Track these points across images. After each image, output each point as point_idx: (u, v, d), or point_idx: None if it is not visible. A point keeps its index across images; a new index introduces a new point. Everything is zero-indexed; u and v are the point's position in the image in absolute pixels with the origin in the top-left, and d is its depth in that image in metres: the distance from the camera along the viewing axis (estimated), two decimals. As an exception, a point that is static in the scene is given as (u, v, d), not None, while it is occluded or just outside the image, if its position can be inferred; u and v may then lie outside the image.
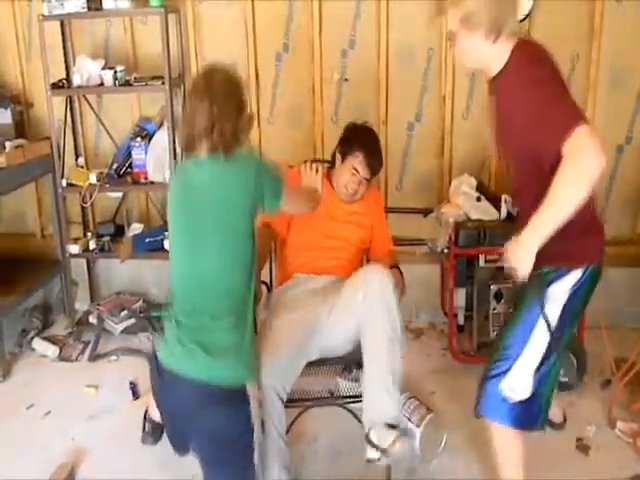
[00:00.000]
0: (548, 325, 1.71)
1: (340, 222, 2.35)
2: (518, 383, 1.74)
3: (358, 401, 2.16)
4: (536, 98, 1.56)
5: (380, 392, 1.92)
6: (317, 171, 2.25)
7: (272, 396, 1.91)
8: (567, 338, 1.79)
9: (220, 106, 1.71)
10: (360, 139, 2.30)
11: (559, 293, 1.71)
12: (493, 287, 2.61)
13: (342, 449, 2.33)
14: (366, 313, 1.95)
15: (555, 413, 2.33)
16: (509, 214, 2.65)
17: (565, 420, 2.39)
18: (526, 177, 1.72)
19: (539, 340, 1.72)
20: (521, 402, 1.75)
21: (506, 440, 1.84)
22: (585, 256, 1.74)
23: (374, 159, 2.28)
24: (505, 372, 1.75)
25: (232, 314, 1.74)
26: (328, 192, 2.33)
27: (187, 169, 1.82)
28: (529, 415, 1.78)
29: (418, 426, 2.18)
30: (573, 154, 1.45)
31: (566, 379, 2.60)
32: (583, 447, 2.32)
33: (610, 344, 2.54)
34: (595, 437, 2.37)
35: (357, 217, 2.38)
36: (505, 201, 2.65)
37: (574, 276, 1.71)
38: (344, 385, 2.34)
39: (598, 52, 2.91)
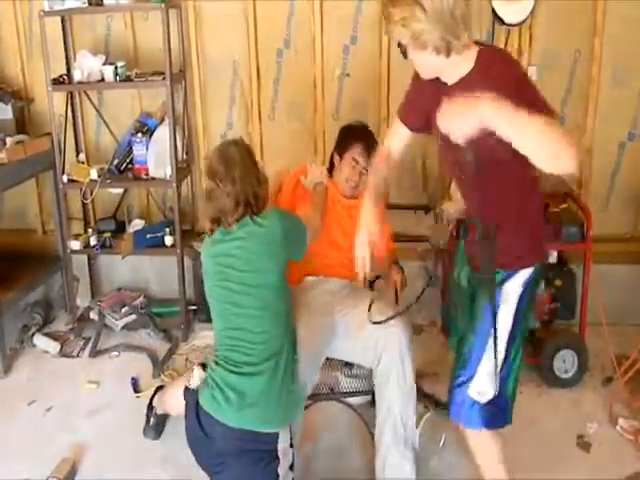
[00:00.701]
0: (496, 330, 1.73)
1: (344, 223, 2.35)
2: (484, 386, 1.76)
3: (359, 395, 2.21)
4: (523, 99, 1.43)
5: (394, 454, 2.00)
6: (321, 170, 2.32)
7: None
8: (522, 333, 1.81)
9: (241, 181, 1.83)
10: (355, 133, 2.36)
11: (512, 291, 1.73)
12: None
13: (343, 446, 2.34)
14: (382, 375, 2.01)
15: None
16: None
17: None
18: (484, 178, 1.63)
19: (500, 340, 1.74)
20: (489, 402, 1.77)
21: (483, 442, 1.86)
22: (535, 256, 1.77)
23: (372, 147, 2.29)
24: (470, 379, 1.77)
25: (270, 360, 1.80)
26: (331, 195, 2.34)
27: (217, 241, 1.89)
28: (499, 412, 1.80)
29: (417, 423, 2.18)
30: (568, 137, 1.39)
31: (567, 376, 2.61)
32: (584, 444, 2.33)
33: (611, 341, 2.54)
34: (596, 434, 2.37)
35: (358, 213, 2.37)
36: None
37: (524, 273, 1.74)
38: (344, 381, 2.34)
39: (600, 48, 2.90)
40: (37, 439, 2.47)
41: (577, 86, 2.97)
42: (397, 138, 1.89)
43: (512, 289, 1.72)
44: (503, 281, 1.73)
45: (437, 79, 1.65)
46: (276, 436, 1.75)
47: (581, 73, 2.95)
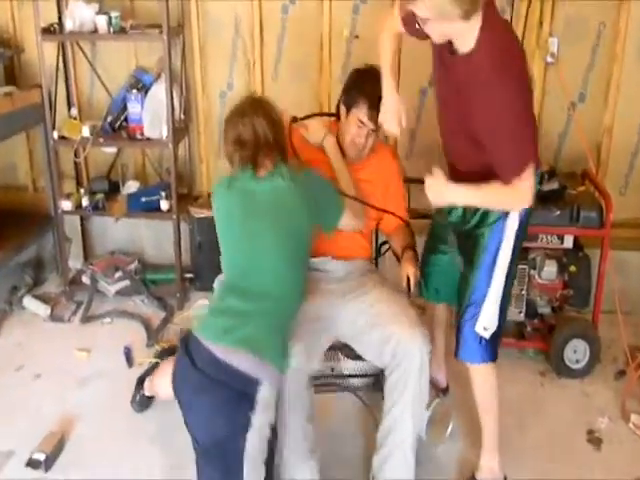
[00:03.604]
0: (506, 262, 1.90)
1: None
2: (489, 321, 1.90)
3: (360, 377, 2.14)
4: (508, 114, 1.64)
5: (397, 457, 1.92)
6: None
7: (297, 376, 1.82)
8: (515, 264, 1.97)
9: (275, 125, 1.87)
10: (363, 87, 2.06)
11: (511, 226, 1.86)
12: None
13: (345, 431, 2.28)
14: (396, 383, 1.89)
15: (440, 379, 2.41)
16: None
17: (448, 387, 2.43)
18: (465, 141, 1.81)
19: (499, 279, 1.88)
20: (492, 336, 1.92)
21: (487, 376, 1.98)
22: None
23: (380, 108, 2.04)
24: (476, 315, 1.90)
25: (274, 302, 1.77)
26: None
27: (243, 179, 1.86)
28: (497, 345, 1.96)
29: (426, 409, 2.12)
30: (514, 194, 1.71)
31: (578, 366, 2.54)
32: (595, 440, 2.25)
33: (625, 331, 2.45)
34: (607, 430, 2.29)
35: (366, 186, 2.17)
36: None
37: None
38: (345, 363, 2.26)
39: (626, 21, 2.71)
40: (24, 409, 2.40)
41: (599, 61, 2.80)
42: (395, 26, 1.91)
43: (511, 224, 1.85)
44: (506, 216, 1.84)
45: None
46: (258, 382, 1.64)
47: (605, 47, 2.77)
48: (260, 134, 1.83)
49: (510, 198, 1.74)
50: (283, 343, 1.76)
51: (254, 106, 1.89)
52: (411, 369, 1.85)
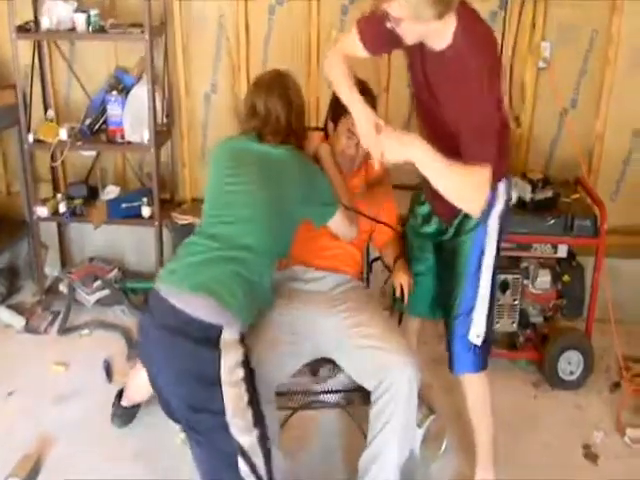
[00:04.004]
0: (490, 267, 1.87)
1: None
2: (480, 328, 1.88)
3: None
4: (482, 110, 1.58)
5: None
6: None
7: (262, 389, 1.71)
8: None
9: (291, 105, 1.86)
10: None
11: (493, 227, 1.84)
12: (499, 277, 2.42)
13: (334, 448, 2.21)
14: (380, 413, 1.79)
15: None
16: (519, 199, 2.47)
17: None
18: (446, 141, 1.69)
19: (485, 285, 1.86)
20: (483, 342, 1.89)
21: (480, 385, 1.96)
22: (500, 174, 1.81)
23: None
24: (469, 324, 1.87)
25: (245, 251, 1.69)
26: None
27: (242, 139, 1.87)
28: (488, 351, 1.94)
29: (419, 426, 2.05)
30: (472, 177, 1.59)
31: (572, 378, 2.49)
32: (591, 455, 2.20)
33: (619, 341, 2.40)
34: (603, 444, 2.24)
35: (358, 196, 2.12)
36: (516, 184, 2.45)
37: (500, 200, 1.84)
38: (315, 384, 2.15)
39: (618, 29, 2.67)
40: (-4, 429, 2.28)
41: (592, 67, 2.76)
42: (350, 50, 1.79)
43: (493, 225, 1.83)
44: (489, 211, 1.80)
45: None
46: (219, 327, 1.56)
47: (597, 55, 2.73)
48: (272, 112, 1.83)
49: (467, 180, 1.60)
50: (247, 299, 1.65)
51: (273, 83, 1.88)
52: (398, 398, 1.76)
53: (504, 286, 2.45)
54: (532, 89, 2.81)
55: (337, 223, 1.93)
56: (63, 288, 3.00)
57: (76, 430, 2.27)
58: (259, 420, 1.60)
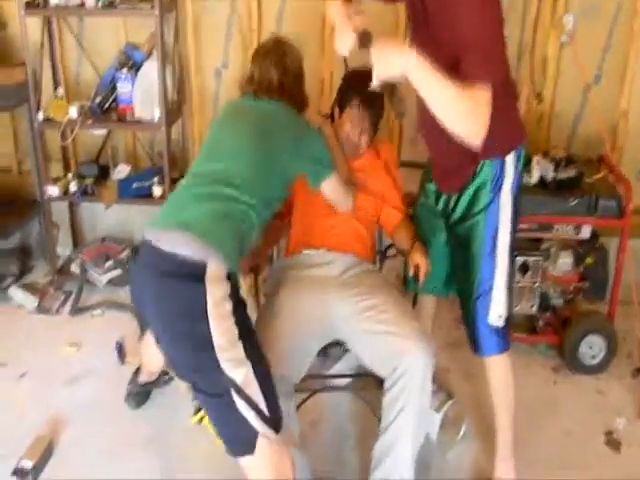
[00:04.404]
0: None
1: None
2: (501, 308, 1.85)
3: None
4: (479, 22, 1.51)
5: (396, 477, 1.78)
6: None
7: (284, 389, 1.68)
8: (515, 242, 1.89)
9: (286, 70, 1.91)
10: (357, 85, 2.01)
11: (505, 201, 1.79)
12: (519, 258, 2.37)
13: (347, 433, 2.17)
14: (396, 399, 1.74)
15: None
16: (541, 179, 2.38)
17: None
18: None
19: (503, 263, 1.82)
20: (505, 322, 1.86)
21: (504, 367, 1.93)
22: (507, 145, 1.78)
23: (373, 106, 2.02)
24: (488, 305, 1.84)
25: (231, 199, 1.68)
26: None
27: (240, 100, 1.97)
28: (509, 331, 1.91)
29: (437, 411, 2.01)
30: (470, 101, 1.48)
31: (593, 362, 2.42)
32: (614, 442, 2.14)
33: (640, 323, 2.34)
34: (625, 431, 2.18)
35: (361, 175, 2.11)
36: (538, 163, 2.37)
37: (509, 173, 1.78)
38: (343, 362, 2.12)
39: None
40: (8, 411, 2.25)
41: (616, 41, 2.65)
42: None
43: (505, 200, 1.78)
44: (499, 187, 1.76)
45: None
46: (203, 263, 1.53)
47: (622, 28, 2.62)
48: (265, 77, 1.90)
49: (464, 103, 1.48)
50: (228, 234, 1.62)
51: (270, 50, 1.95)
52: (412, 385, 1.71)
53: (524, 268, 2.38)
54: (555, 64, 2.71)
55: (332, 188, 1.92)
56: (75, 268, 2.97)
57: (89, 411, 2.25)
58: (252, 353, 1.55)
